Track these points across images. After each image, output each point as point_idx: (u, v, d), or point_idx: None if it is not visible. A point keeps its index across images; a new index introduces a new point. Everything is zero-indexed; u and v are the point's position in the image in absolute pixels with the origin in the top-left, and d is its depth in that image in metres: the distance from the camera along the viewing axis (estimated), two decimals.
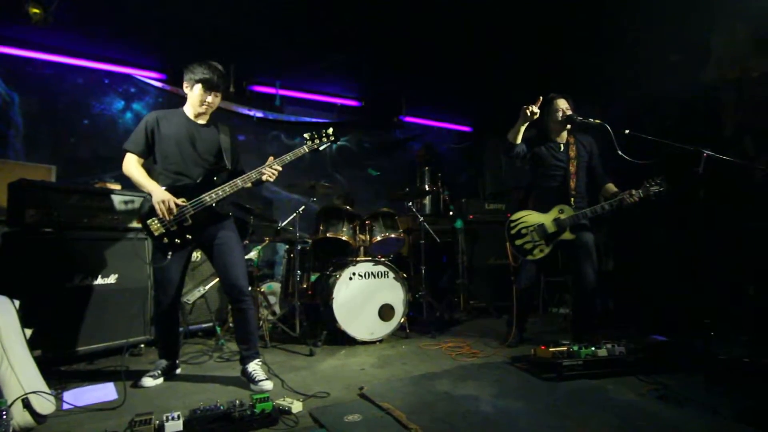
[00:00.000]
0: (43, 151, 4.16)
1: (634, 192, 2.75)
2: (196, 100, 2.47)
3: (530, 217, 3.01)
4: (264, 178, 2.46)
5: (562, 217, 2.92)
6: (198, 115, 2.52)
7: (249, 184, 2.48)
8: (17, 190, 2.68)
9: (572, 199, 2.96)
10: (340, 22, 4.05)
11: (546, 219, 2.96)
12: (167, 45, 4.31)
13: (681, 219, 3.41)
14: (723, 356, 2.39)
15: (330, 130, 2.65)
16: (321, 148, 2.65)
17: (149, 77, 4.73)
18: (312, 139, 2.62)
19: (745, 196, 3.23)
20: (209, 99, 2.48)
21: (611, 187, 2.98)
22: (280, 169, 2.49)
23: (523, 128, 2.86)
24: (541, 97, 2.79)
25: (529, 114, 2.75)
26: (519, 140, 2.90)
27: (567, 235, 2.91)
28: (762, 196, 3.14)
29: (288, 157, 2.51)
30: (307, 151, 2.60)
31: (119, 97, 4.62)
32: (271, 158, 2.51)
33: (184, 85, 2.48)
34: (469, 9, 3.84)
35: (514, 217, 3.06)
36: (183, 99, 2.54)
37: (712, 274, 3.27)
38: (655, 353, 2.54)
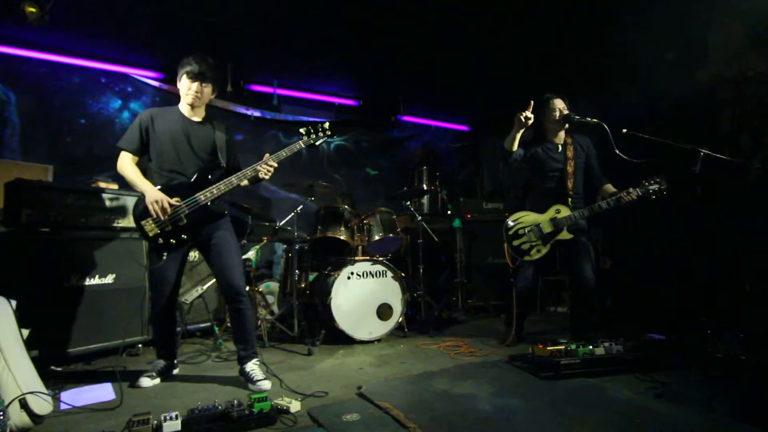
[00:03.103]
0: (39, 150, 4.14)
1: (632, 190, 2.74)
2: (183, 91, 2.44)
3: (527, 218, 3.01)
4: (260, 175, 2.44)
5: (559, 216, 2.92)
6: (192, 111, 2.48)
7: (245, 182, 2.47)
8: (14, 189, 2.66)
9: (570, 199, 2.96)
10: (338, 21, 4.04)
11: (543, 219, 2.96)
12: (164, 44, 4.29)
13: (678, 217, 3.42)
14: (720, 354, 2.40)
15: (326, 125, 2.63)
16: (317, 143, 2.63)
17: (146, 76, 4.71)
18: (308, 134, 2.60)
19: (742, 194, 3.24)
20: (194, 87, 2.41)
21: (610, 187, 2.96)
22: (276, 165, 2.47)
23: (518, 135, 2.86)
24: (533, 102, 2.78)
25: (523, 120, 2.74)
26: (515, 148, 2.90)
27: (564, 235, 2.91)
28: (758, 195, 3.15)
29: (284, 153, 2.49)
30: (303, 146, 2.58)
31: (116, 97, 4.60)
32: (267, 155, 2.48)
33: (177, 82, 2.46)
34: (467, 8, 3.84)
35: (512, 217, 3.06)
36: (180, 98, 2.51)
37: (709, 272, 3.29)
38: (652, 351, 2.54)
